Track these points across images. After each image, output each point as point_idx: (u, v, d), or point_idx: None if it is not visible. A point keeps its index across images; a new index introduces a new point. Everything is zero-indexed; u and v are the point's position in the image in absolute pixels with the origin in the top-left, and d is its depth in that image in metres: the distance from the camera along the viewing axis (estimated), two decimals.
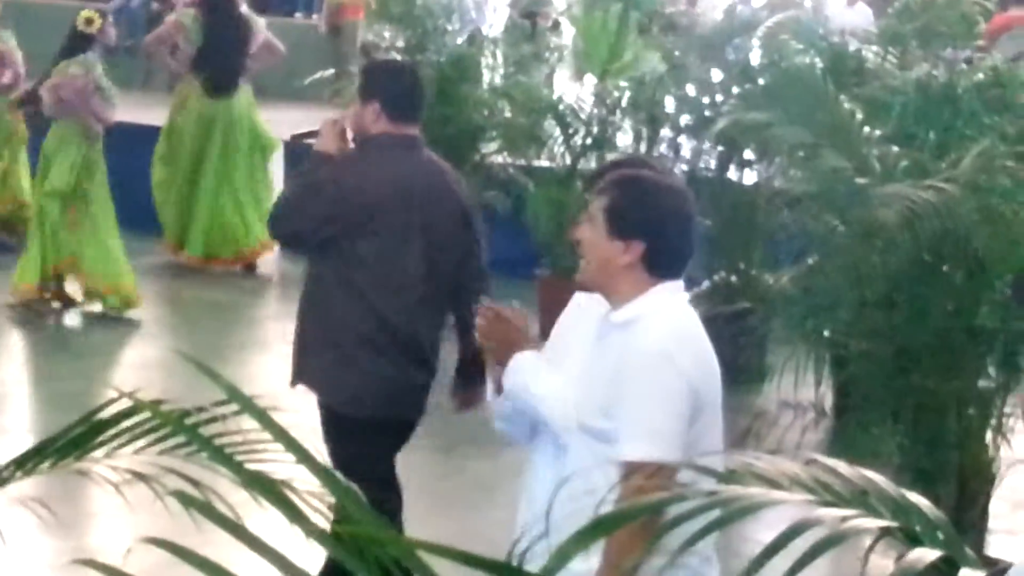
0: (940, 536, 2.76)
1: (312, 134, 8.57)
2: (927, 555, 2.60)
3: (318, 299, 7.55)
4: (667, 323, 5.16)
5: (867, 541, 2.73)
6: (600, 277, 5.29)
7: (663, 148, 12.84)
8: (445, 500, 9.60)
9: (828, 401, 9.09)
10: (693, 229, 5.43)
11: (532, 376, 5.39)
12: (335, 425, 7.52)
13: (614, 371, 5.13)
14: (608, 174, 5.72)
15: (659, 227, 5.25)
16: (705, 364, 5.24)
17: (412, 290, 7.51)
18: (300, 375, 7.72)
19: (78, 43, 13.77)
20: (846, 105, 9.43)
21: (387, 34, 14.87)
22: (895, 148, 8.93)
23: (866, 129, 9.17)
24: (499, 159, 13.49)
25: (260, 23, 15.75)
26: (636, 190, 5.38)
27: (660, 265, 5.23)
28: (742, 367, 10.17)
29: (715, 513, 2.78)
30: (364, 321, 7.43)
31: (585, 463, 5.01)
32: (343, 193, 7.40)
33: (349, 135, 7.90)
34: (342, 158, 7.70)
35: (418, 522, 7.51)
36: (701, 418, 5.18)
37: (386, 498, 7.17)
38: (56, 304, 13.92)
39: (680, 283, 5.34)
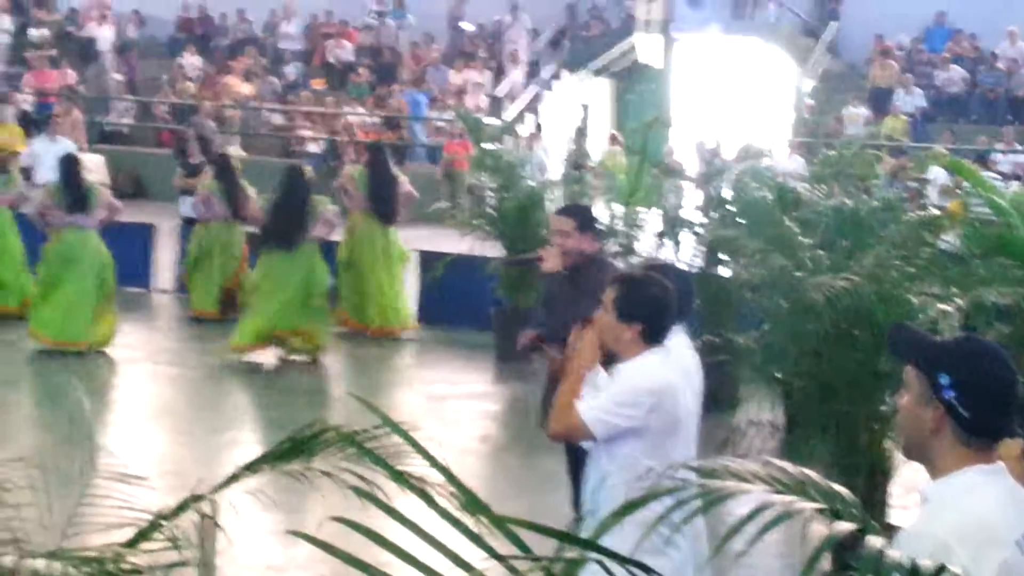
0: (854, 513, 2.77)
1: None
2: (845, 526, 2.61)
3: None
4: (652, 376, 5.32)
5: (806, 517, 2.74)
6: (614, 346, 5.41)
7: (669, 252, 12.85)
8: (524, 487, 9.57)
9: (780, 421, 9.08)
10: (674, 312, 5.47)
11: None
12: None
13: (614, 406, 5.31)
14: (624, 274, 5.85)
15: (651, 313, 5.35)
16: (674, 397, 5.36)
17: None
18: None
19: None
20: (787, 223, 9.42)
21: (484, 178, 14.91)
22: (820, 252, 8.92)
23: (801, 239, 9.14)
24: None
25: (404, 179, 15.81)
26: (634, 287, 5.45)
27: (651, 338, 5.34)
28: (721, 398, 10.09)
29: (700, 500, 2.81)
30: None
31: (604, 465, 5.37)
32: None
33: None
34: None
35: (507, 503, 7.50)
36: (679, 429, 5.38)
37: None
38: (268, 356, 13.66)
39: (665, 347, 5.40)
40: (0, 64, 31.23)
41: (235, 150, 21.86)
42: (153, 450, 10.18)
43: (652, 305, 5.36)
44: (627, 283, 5.51)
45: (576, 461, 7.08)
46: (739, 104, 27.88)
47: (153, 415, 11.90)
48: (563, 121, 27.70)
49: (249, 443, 10.55)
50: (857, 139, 14.95)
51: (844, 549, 2.62)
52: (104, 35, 31.73)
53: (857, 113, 25.80)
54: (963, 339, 3.45)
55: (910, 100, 26.78)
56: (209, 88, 29.52)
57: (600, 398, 5.32)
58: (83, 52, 31.59)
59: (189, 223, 16.84)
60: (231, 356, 13.47)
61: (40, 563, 2.84)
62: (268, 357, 13.56)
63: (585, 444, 5.48)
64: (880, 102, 26.79)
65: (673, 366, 5.49)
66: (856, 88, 27.58)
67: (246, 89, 28.87)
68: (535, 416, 7.33)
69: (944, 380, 3.11)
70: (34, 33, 32.02)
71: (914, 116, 26.39)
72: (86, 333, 13.50)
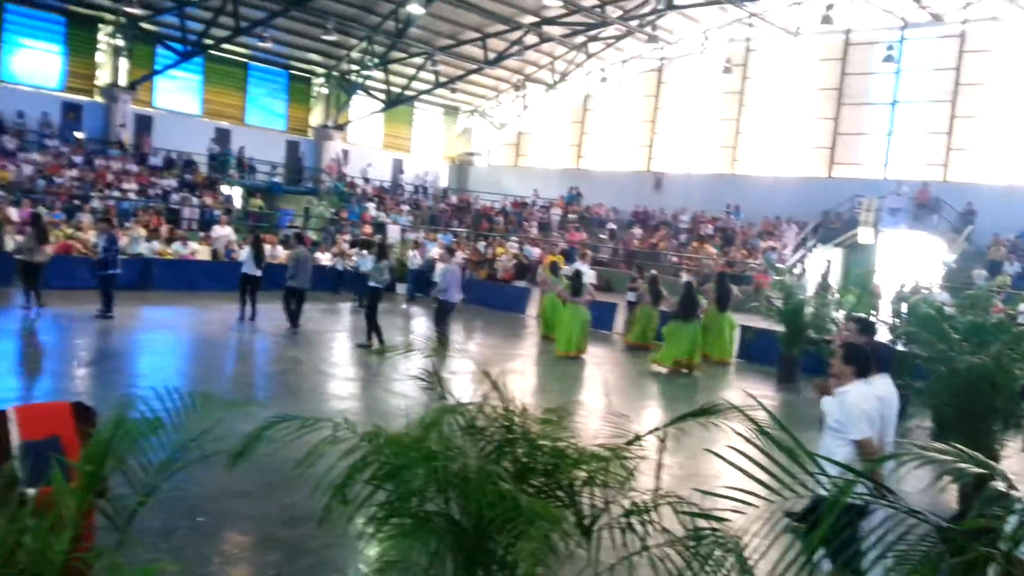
0: (997, 474, 2.50)
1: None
2: (997, 482, 2.36)
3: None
4: (859, 395, 4.79)
5: (971, 473, 2.50)
6: (840, 377, 4.94)
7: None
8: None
9: (932, 428, 8.09)
10: (870, 362, 4.99)
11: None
12: None
13: (839, 408, 4.80)
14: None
15: (860, 361, 4.90)
16: (872, 406, 4.81)
17: None
18: None
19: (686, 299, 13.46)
20: (943, 327, 8.46)
21: (775, 293, 14.17)
22: (963, 343, 7.96)
23: (952, 335, 8.18)
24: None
25: (736, 288, 15.31)
26: (852, 348, 5.04)
27: (860, 375, 4.87)
28: (904, 414, 9.11)
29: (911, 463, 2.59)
30: None
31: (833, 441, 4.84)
32: None
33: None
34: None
35: None
36: (880, 423, 4.87)
37: None
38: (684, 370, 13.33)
39: (865, 380, 4.90)
40: (555, 230, 32.77)
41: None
42: (611, 409, 10.24)
43: (860, 357, 4.93)
44: (849, 346, 5.13)
45: None
46: (914, 264, 25.29)
47: (610, 390, 11.90)
48: (817, 269, 26.06)
49: (659, 407, 10.43)
50: (981, 287, 13.18)
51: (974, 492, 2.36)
52: (603, 219, 32.69)
53: (980, 273, 22.86)
54: None
55: (1012, 268, 23.41)
56: (644, 244, 29.76)
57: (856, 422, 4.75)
58: (591, 223, 32.70)
59: (629, 304, 17.02)
60: (653, 367, 13.40)
61: (594, 449, 2.96)
62: (663, 369, 13.38)
63: (832, 431, 4.89)
64: (994, 268, 23.58)
65: (871, 390, 4.94)
66: (981, 260, 24.41)
67: (714, 250, 28.38)
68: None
69: None
70: (571, 218, 33.53)
71: (1014, 276, 23.07)
72: (579, 348, 13.86)
